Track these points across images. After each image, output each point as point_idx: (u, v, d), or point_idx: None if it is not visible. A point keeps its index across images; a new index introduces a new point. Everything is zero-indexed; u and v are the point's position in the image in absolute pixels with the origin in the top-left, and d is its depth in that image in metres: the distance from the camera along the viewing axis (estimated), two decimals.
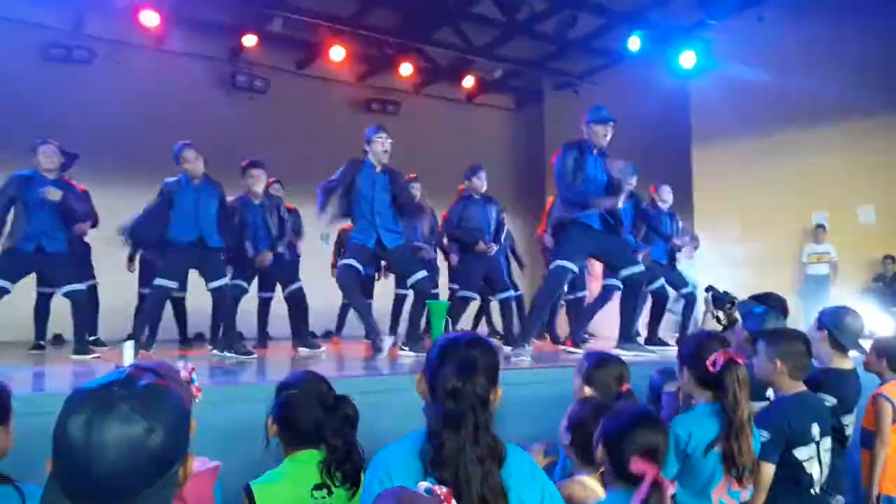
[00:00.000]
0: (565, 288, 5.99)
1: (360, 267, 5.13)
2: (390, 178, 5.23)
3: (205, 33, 9.54)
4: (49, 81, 8.68)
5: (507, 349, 5.15)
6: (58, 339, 7.30)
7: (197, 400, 1.89)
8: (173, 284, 5.28)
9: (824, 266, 8.97)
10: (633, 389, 2.50)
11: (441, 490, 0.99)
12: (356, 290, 5.27)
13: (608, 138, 5.13)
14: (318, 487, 1.97)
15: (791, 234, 9.17)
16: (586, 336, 6.53)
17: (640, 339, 5.81)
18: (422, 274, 5.20)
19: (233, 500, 1.95)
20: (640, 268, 5.17)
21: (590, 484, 2.07)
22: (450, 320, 5.17)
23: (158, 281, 5.20)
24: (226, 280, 5.37)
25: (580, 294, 6.88)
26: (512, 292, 6.48)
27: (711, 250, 8.12)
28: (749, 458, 2.30)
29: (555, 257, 5.15)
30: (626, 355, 4.84)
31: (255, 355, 5.17)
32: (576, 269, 5.17)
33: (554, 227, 5.28)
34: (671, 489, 1.81)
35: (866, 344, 3.50)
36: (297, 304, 5.87)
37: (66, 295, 5.23)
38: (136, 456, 0.99)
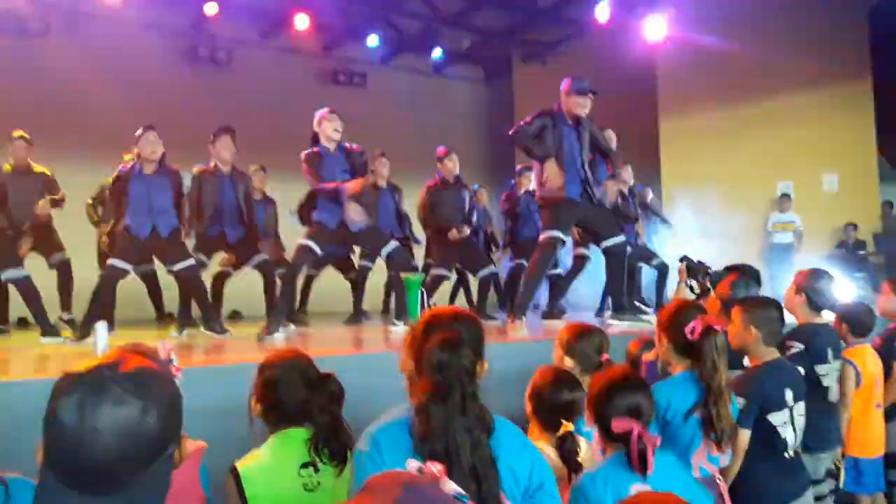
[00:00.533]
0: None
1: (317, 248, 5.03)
2: (346, 158, 5.14)
3: (165, 2, 9.27)
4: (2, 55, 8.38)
5: (498, 322, 5.16)
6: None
7: (177, 380, 1.87)
8: (126, 266, 5.01)
9: (789, 234, 9.14)
10: (611, 360, 2.52)
11: (435, 467, 0.98)
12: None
13: (586, 110, 5.12)
14: (304, 465, 1.95)
15: (757, 203, 9.30)
16: (565, 307, 6.57)
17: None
18: (392, 245, 5.16)
19: (218, 480, 1.92)
20: (622, 238, 5.20)
21: (545, 450, 2.11)
22: (425, 294, 5.14)
23: (112, 260, 4.95)
24: (191, 261, 5.14)
25: (557, 270, 6.85)
26: (493, 268, 6.46)
27: (679, 220, 8.21)
28: (727, 423, 2.34)
29: (544, 228, 5.16)
30: (621, 324, 5.02)
31: (230, 333, 5.11)
32: (566, 238, 5.21)
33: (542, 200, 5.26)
34: (657, 442, 1.86)
35: None
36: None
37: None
38: (131, 438, 0.97)
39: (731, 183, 9.13)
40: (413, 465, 1.00)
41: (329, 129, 5.06)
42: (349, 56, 11.08)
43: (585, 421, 2.11)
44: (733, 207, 8.97)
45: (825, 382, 3.21)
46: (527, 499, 1.59)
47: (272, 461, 1.97)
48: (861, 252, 9.16)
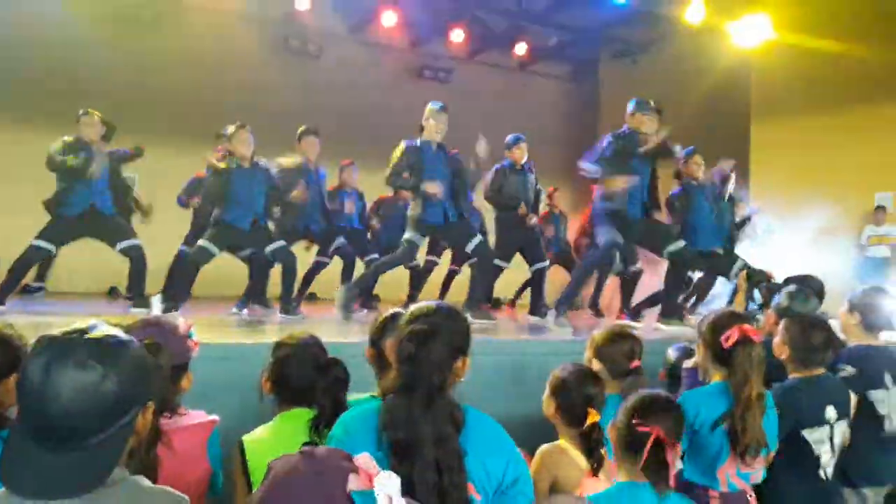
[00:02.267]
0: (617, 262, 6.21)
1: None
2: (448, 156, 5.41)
3: None
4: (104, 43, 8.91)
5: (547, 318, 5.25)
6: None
7: (194, 354, 1.98)
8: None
9: (884, 248, 8.62)
10: (641, 368, 2.47)
11: (370, 467, 1.01)
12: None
13: (655, 129, 5.18)
14: (306, 444, 2.01)
15: (852, 215, 8.80)
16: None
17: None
18: (478, 239, 5.31)
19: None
20: (682, 244, 5.17)
21: (569, 450, 2.09)
22: None
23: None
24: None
25: (635, 268, 6.73)
26: (545, 263, 6.42)
27: (767, 226, 7.87)
28: (755, 438, 2.25)
29: (603, 235, 5.30)
30: (668, 329, 5.02)
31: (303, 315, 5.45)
32: (621, 242, 5.31)
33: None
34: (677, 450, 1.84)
35: None
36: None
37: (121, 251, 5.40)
38: (90, 399, 1.05)
39: (825, 193, 8.66)
40: (362, 458, 1.04)
41: (434, 126, 5.29)
42: (435, 51, 11.18)
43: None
44: (825, 217, 8.53)
45: (881, 410, 2.91)
46: (499, 494, 1.58)
47: (275, 437, 2.05)
48: None
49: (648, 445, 1.83)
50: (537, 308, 6.11)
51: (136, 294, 5.21)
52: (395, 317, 2.02)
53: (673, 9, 9.53)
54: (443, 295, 7.58)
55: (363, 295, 6.16)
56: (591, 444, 2.18)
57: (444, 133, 5.34)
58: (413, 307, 1.69)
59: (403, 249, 5.30)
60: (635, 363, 2.47)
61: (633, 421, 1.90)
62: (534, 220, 6.33)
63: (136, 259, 5.25)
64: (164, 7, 9.14)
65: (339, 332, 4.66)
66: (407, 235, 5.31)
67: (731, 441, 2.27)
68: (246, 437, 2.03)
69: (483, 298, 5.92)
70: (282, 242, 5.40)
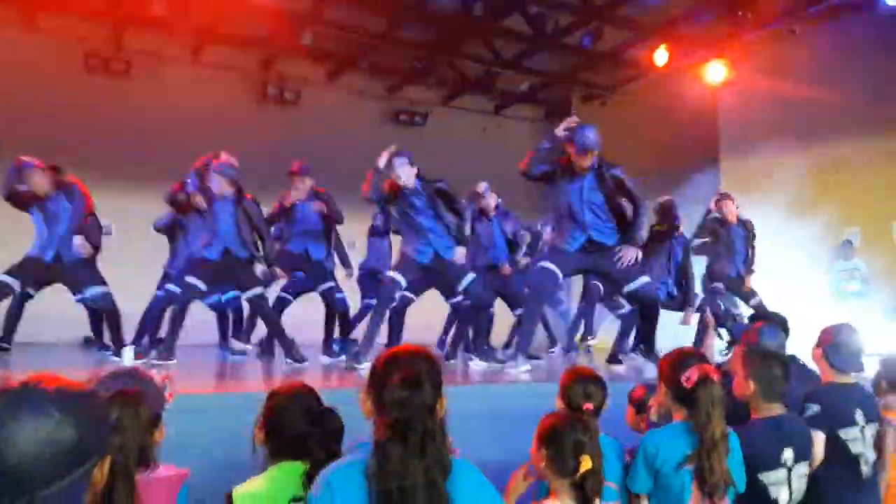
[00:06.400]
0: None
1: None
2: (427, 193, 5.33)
3: (238, 46, 9.80)
4: (87, 93, 9.02)
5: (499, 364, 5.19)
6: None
7: (167, 406, 1.99)
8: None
9: (855, 283, 8.77)
10: (593, 409, 2.41)
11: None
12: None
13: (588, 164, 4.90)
14: (296, 500, 1.95)
15: (820, 250, 8.98)
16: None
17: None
18: (470, 278, 5.25)
19: None
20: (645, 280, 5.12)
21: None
22: None
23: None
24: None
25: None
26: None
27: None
28: (721, 478, 2.28)
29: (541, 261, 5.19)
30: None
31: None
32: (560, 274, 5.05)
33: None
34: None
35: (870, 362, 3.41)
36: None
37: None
38: (45, 448, 1.04)
39: (793, 228, 8.85)
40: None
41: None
42: (411, 97, 11.39)
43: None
44: (794, 253, 8.70)
45: (854, 449, 2.81)
46: None
47: (265, 492, 1.98)
48: None
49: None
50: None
51: (116, 343, 5.24)
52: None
53: (639, 53, 9.83)
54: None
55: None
56: (584, 495, 2.06)
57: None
58: (388, 352, 1.68)
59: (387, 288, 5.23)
60: (587, 405, 2.37)
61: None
62: (507, 269, 6.41)
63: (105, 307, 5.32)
64: (137, 59, 9.28)
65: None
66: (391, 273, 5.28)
67: (698, 481, 2.28)
68: (235, 490, 1.97)
69: (487, 341, 5.96)
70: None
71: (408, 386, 1.55)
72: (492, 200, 6.54)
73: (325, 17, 8.90)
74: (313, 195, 6.05)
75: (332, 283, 6.07)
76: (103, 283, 5.39)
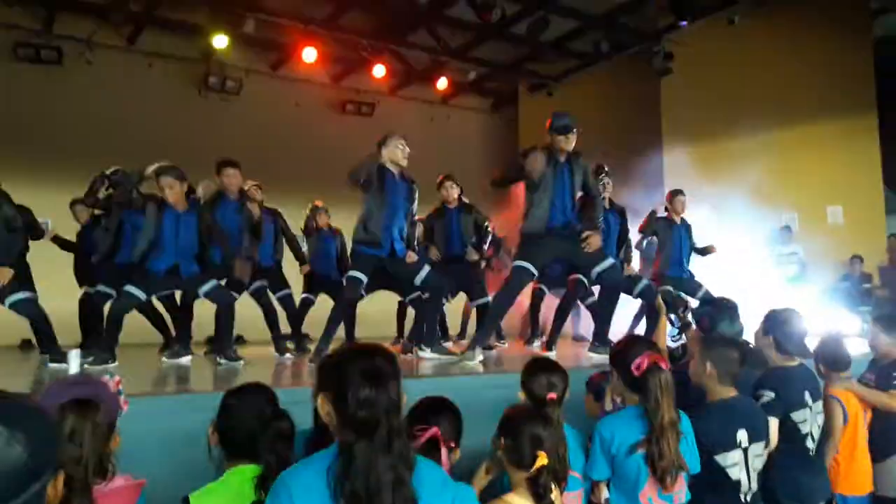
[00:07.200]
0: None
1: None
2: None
3: (177, 34, 9.52)
4: (18, 82, 8.65)
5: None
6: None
7: (123, 412, 1.91)
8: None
9: (793, 267, 9.06)
10: (556, 399, 2.43)
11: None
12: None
13: (571, 146, 4.91)
14: None
15: (760, 236, 9.24)
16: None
17: None
18: (425, 271, 5.08)
19: None
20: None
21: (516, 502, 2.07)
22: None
23: None
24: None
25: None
26: (487, 298, 6.36)
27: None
28: (671, 462, 2.32)
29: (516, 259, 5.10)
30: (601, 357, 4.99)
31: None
32: (534, 271, 5.05)
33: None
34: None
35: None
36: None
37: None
38: None
39: (734, 215, 9.08)
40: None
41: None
42: (357, 86, 11.26)
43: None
44: (736, 239, 8.93)
45: (804, 430, 2.96)
46: None
47: (223, 496, 1.93)
48: (867, 285, 9.04)
49: None
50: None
51: (51, 349, 4.95)
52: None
53: (584, 43, 9.93)
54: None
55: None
56: (538, 489, 2.05)
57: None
58: (341, 352, 1.64)
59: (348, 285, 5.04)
60: (550, 395, 2.39)
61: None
62: (474, 256, 6.40)
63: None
64: (70, 48, 8.93)
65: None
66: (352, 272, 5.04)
67: (650, 466, 2.32)
68: (193, 496, 1.91)
69: (439, 333, 5.92)
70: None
71: (372, 384, 1.52)
72: (454, 191, 6.47)
73: (267, 4, 8.70)
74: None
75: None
76: (29, 289, 5.10)
